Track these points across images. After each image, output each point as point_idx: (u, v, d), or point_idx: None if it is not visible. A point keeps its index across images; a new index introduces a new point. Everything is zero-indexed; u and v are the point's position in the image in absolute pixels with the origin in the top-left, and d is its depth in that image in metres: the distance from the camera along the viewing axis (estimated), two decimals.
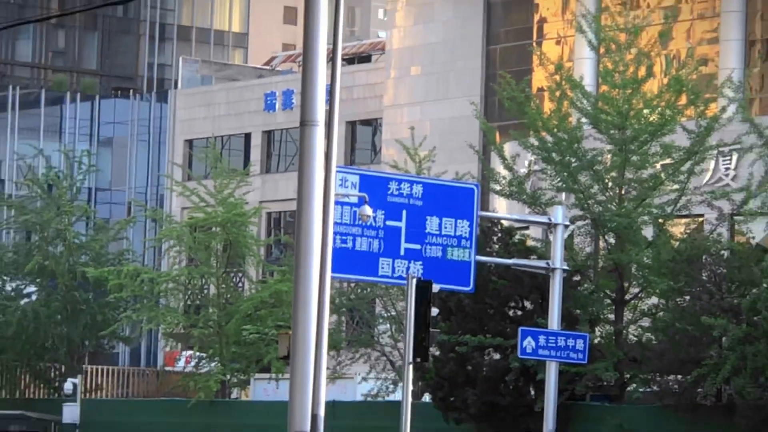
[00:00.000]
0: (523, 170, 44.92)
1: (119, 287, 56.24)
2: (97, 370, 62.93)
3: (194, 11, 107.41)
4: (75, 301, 62.22)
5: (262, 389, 52.86)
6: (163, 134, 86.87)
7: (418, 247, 33.03)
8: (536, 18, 70.18)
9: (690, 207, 41.57)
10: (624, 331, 41.39)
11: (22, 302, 62.44)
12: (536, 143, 42.68)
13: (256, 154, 73.11)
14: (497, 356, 40.66)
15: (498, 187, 42.95)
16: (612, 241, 42.18)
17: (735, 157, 46.88)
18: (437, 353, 38.47)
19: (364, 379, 48.89)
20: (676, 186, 40.66)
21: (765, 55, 63.43)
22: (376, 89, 71.06)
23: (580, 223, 41.02)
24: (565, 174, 41.44)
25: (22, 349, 61.69)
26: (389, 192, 33.44)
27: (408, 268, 31.88)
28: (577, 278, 41.06)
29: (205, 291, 60.58)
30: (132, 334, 66.25)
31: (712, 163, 47.68)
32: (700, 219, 45.71)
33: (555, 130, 42.54)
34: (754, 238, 41.93)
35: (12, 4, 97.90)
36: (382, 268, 32.83)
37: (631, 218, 40.78)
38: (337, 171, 25.86)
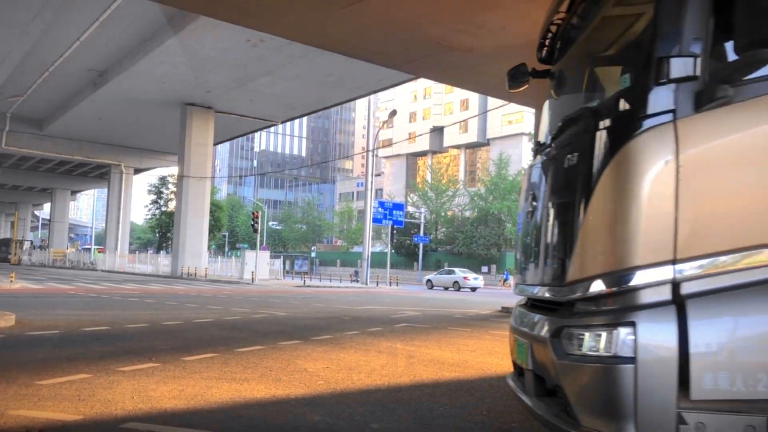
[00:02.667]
0: (415, 199, 59.95)
1: (323, 225, 74.07)
2: (318, 245, 74.90)
3: (343, 166, 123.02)
4: (316, 227, 76.06)
5: (359, 249, 61.66)
6: (334, 191, 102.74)
7: (391, 217, 42.13)
8: (420, 166, 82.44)
9: (452, 207, 57.70)
10: (437, 236, 56.83)
11: (297, 226, 76.11)
12: (418, 194, 59.36)
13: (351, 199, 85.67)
14: (409, 241, 53.67)
15: (410, 203, 59.58)
16: (434, 215, 57.12)
17: (461, 197, 57.25)
18: (394, 241, 47.10)
19: (378, 246, 58.68)
20: (448, 204, 57.28)
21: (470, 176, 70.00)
22: (382, 183, 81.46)
23: (426, 211, 56.32)
24: (423, 199, 57.78)
25: (297, 240, 74.92)
26: (384, 204, 43.40)
27: (390, 221, 42.18)
28: (427, 224, 54.72)
29: (344, 226, 73.61)
30: (324, 237, 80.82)
31: (460, 197, 57.58)
32: (454, 210, 57.51)
33: (424, 191, 59.46)
34: (466, 213, 55.51)
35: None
36: (384, 220, 42.00)
37: (438, 210, 56.79)
38: (375, 200, 40.95)
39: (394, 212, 43.65)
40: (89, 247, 67.78)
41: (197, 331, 10.05)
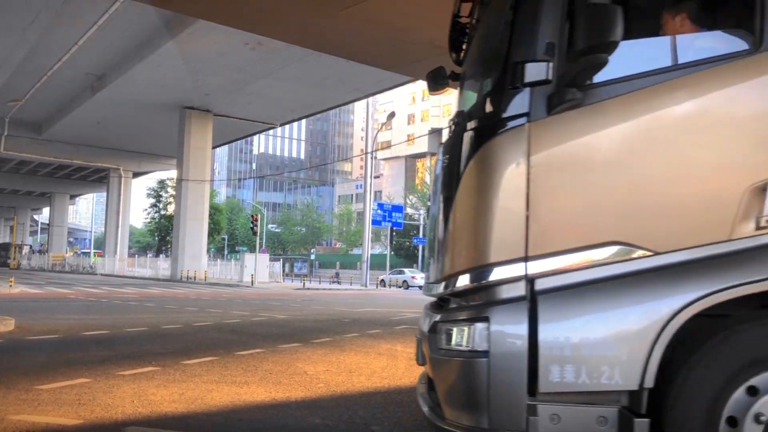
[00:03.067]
0: (414, 201, 60.24)
1: (323, 228, 73.27)
2: (318, 247, 75.18)
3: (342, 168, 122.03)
4: (315, 229, 74.10)
5: (358, 251, 61.36)
6: (333, 193, 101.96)
7: (390, 219, 42.30)
8: (419, 168, 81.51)
9: None
10: None
11: (296, 228, 75.08)
12: (417, 196, 60.23)
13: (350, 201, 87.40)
14: (408, 243, 53.81)
15: (409, 205, 58.91)
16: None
17: None
18: (393, 242, 47.92)
19: (378, 248, 59.27)
20: None
21: None
22: (381, 185, 79.08)
23: (425, 212, 61.94)
24: (422, 200, 57.10)
25: (296, 242, 73.82)
26: (383, 206, 43.91)
27: (389, 224, 42.36)
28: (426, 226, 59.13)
29: (344, 228, 73.05)
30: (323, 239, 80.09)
31: None
32: None
33: (423, 192, 59.71)
34: None
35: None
36: (383, 222, 42.32)
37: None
38: (374, 202, 41.48)
39: (393, 214, 43.54)
40: (88, 251, 67.48)
41: (197, 334, 10.03)
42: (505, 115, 2.69)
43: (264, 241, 66.99)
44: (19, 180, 60.36)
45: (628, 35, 2.85)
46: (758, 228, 2.54)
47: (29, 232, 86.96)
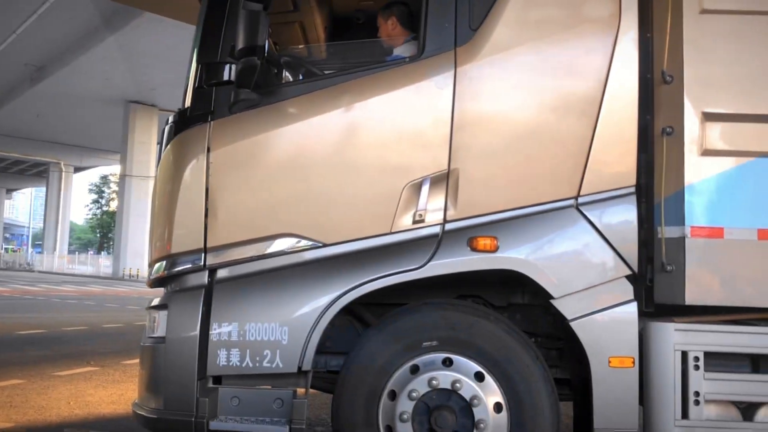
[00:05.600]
0: None
1: None
2: None
3: None
4: None
5: None
6: None
7: None
8: None
9: None
10: None
11: None
12: None
13: None
14: None
15: None
16: None
17: None
18: None
19: None
20: None
21: None
22: None
23: None
24: None
25: None
26: None
27: None
28: None
29: None
30: None
31: None
32: None
33: None
34: None
35: None
36: None
37: None
38: None
39: None
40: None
41: (139, 333, 9.73)
42: (192, 113, 2.84)
43: None
44: None
45: (308, 42, 3.23)
46: (415, 222, 2.73)
47: None
